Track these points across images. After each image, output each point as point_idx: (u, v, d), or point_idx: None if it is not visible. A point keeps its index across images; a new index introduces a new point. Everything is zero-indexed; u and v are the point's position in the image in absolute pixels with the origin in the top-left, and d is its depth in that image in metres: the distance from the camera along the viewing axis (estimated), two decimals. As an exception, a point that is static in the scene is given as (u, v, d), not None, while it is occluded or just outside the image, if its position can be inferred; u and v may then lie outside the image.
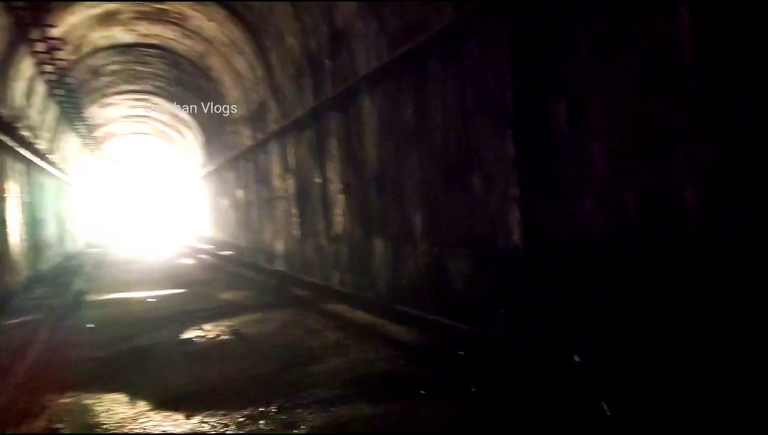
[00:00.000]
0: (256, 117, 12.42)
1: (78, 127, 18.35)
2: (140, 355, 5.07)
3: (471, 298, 4.94)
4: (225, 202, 16.99)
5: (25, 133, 9.89)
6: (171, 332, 5.93)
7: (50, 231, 14.26)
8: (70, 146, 19.61)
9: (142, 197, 35.91)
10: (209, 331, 5.86)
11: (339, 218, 8.09)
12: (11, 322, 7.00)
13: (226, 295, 8.30)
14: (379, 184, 6.72)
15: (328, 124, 8.19)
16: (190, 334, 5.80)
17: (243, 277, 10.36)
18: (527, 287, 4.30)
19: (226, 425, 3.25)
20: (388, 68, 6.18)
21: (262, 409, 3.43)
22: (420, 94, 5.63)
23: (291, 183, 10.24)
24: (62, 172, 17.66)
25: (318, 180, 8.80)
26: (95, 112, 19.08)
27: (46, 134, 13.93)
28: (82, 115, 17.09)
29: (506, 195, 4.44)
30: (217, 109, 15.88)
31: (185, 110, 19.14)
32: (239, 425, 3.24)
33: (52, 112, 14.33)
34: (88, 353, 5.28)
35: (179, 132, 22.91)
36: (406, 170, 6.03)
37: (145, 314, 7.13)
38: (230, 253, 15.77)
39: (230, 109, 14.64)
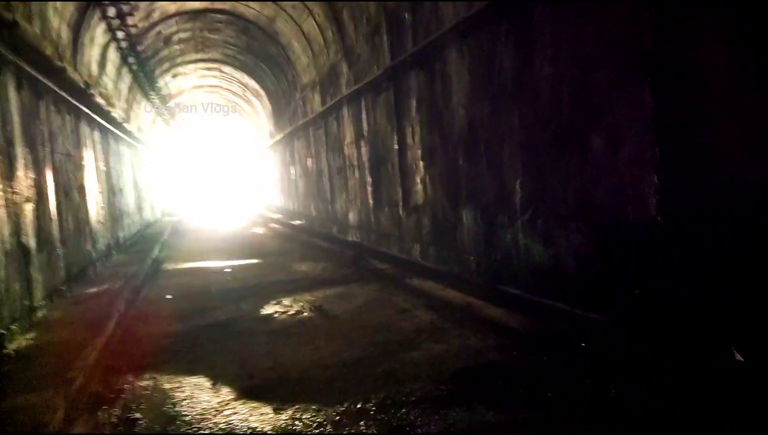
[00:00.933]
0: (326, 82, 11.95)
1: (152, 96, 18.57)
2: (220, 332, 4.76)
3: (587, 279, 4.28)
4: (295, 171, 16.79)
5: (100, 101, 9.85)
6: (250, 306, 5.62)
7: (128, 199, 14.51)
8: (145, 116, 19.96)
9: (214, 167, 36.70)
10: (290, 306, 5.49)
11: (419, 187, 7.52)
12: (90, 290, 6.94)
13: (303, 267, 7.98)
14: (469, 148, 6.07)
15: (408, 84, 7.56)
16: (270, 308, 5.46)
17: (317, 248, 10.05)
18: (663, 269, 3.60)
19: (322, 425, 2.81)
20: (482, 17, 5.47)
21: (360, 406, 2.97)
22: (523, 43, 4.90)
23: (365, 150, 9.74)
24: (138, 141, 17.98)
25: (396, 146, 8.23)
26: (167, 82, 19.25)
27: (121, 103, 14.05)
28: (155, 84, 17.24)
29: (640, 158, 3.71)
30: (287, 75, 15.54)
31: (254, 78, 19.00)
32: (336, 425, 2.80)
33: (126, 81, 14.42)
34: (167, 328, 5.04)
35: (248, 101, 22.92)
36: (503, 131, 5.36)
37: (223, 285, 6.90)
38: (301, 222, 15.60)
39: (299, 74, 14.25)
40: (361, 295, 5.71)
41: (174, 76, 19.04)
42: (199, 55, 17.64)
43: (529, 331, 3.99)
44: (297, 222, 15.79)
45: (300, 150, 15.67)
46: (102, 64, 10.82)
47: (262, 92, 19.70)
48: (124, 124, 14.24)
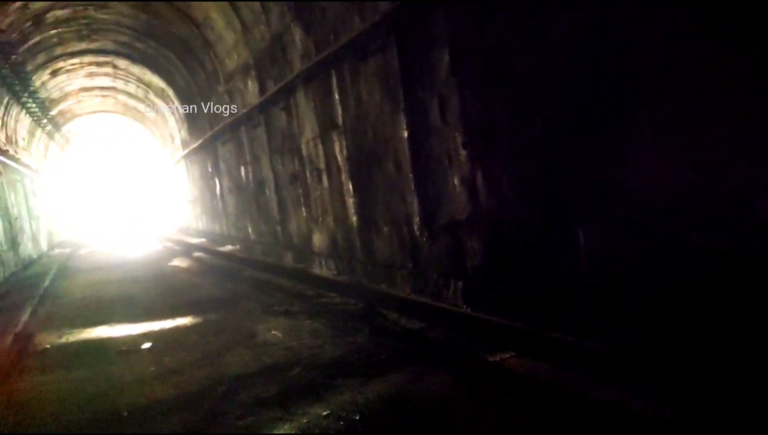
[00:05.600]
0: (266, 61, 8.91)
1: (26, 101, 14.51)
2: None
3: None
4: (221, 184, 13.46)
5: None
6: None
7: (-7, 234, 10.63)
8: (19, 127, 15.76)
9: (116, 187, 31.89)
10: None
11: (459, 191, 4.75)
12: None
13: (276, 331, 4.88)
14: (587, 113, 3.38)
15: (433, 30, 4.77)
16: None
17: (278, 290, 6.96)
18: None
19: None
20: None
21: None
22: None
23: (341, 145, 6.83)
24: (11, 159, 13.93)
25: (404, 132, 5.41)
26: (45, 82, 15.24)
27: (-27, 103, 10.20)
28: (27, 83, 13.29)
29: None
30: (203, 64, 12.26)
31: (158, 73, 15.43)
32: None
33: (-18, 73, 10.58)
34: None
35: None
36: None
37: (141, 398, 3.71)
38: (234, 248, 12.32)
39: (222, 60, 11.05)
40: (461, 428, 2.78)
41: (53, 73, 15.09)
42: (85, 45, 13.90)
43: None
44: (228, 248, 12.49)
45: (228, 157, 12.40)
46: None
47: (169, 91, 16.14)
48: (-19, 132, 10.41)
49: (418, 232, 5.46)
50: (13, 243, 12.97)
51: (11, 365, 4.75)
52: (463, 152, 4.63)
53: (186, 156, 17.22)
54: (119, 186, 31.82)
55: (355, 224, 6.81)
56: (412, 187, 5.42)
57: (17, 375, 4.50)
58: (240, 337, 4.81)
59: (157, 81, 16.21)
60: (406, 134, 5.38)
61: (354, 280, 6.63)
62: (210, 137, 13.29)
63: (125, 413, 3.38)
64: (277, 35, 8.14)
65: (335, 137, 6.93)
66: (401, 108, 5.38)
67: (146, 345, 4.97)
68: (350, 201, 6.83)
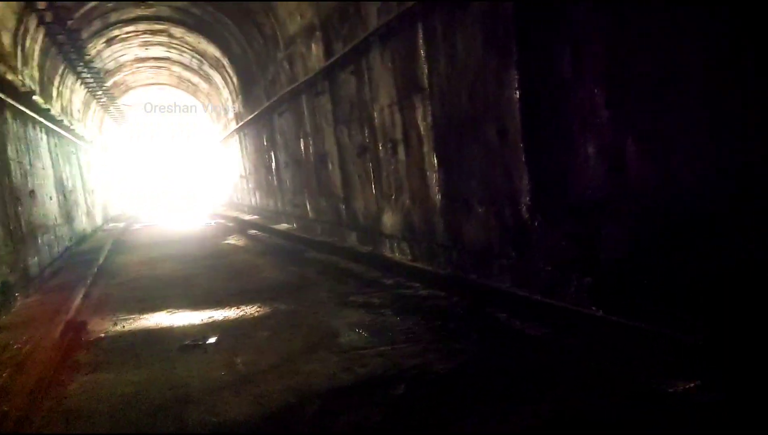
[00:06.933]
0: (335, 19, 8.02)
1: (81, 70, 14.14)
2: None
3: None
4: (277, 158, 12.78)
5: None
6: None
7: (48, 207, 10.25)
8: (74, 98, 15.48)
9: (167, 161, 31.97)
10: None
11: (595, 163, 3.78)
12: None
13: (361, 330, 4.06)
14: None
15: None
16: None
17: (347, 275, 6.19)
18: None
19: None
20: None
21: None
22: None
23: (425, 111, 5.92)
24: (67, 130, 13.60)
25: (511, 92, 4.46)
26: (101, 51, 14.84)
27: (30, 70, 9.74)
28: (82, 51, 12.86)
29: None
30: (262, 28, 11.49)
31: (214, 42, 14.80)
32: None
33: (38, 39, 10.10)
34: None
35: (206, 77, 18.66)
36: None
37: (216, 412, 2.97)
38: (290, 226, 11.66)
39: (282, 23, 10.24)
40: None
41: (108, 42, 14.65)
42: (140, 11, 13.34)
43: None
44: (284, 226, 11.84)
45: (286, 129, 11.67)
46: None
47: (224, 60, 15.52)
48: (36, 100, 9.97)
49: (526, 215, 4.54)
50: (68, 217, 12.68)
51: (61, 360, 4.13)
52: (604, 112, 3.65)
53: (239, 129, 16.66)
54: (172, 160, 31.88)
55: (438, 203, 5.93)
56: (522, 159, 4.49)
57: (68, 373, 3.87)
58: (319, 336, 4.04)
59: (212, 50, 15.61)
60: (517, 94, 4.43)
61: (440, 268, 5.76)
62: (266, 109, 12.59)
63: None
64: (349, -11, 7.24)
65: (418, 102, 6.03)
66: (512, 61, 4.41)
67: (212, 339, 4.26)
68: (433, 176, 5.94)
